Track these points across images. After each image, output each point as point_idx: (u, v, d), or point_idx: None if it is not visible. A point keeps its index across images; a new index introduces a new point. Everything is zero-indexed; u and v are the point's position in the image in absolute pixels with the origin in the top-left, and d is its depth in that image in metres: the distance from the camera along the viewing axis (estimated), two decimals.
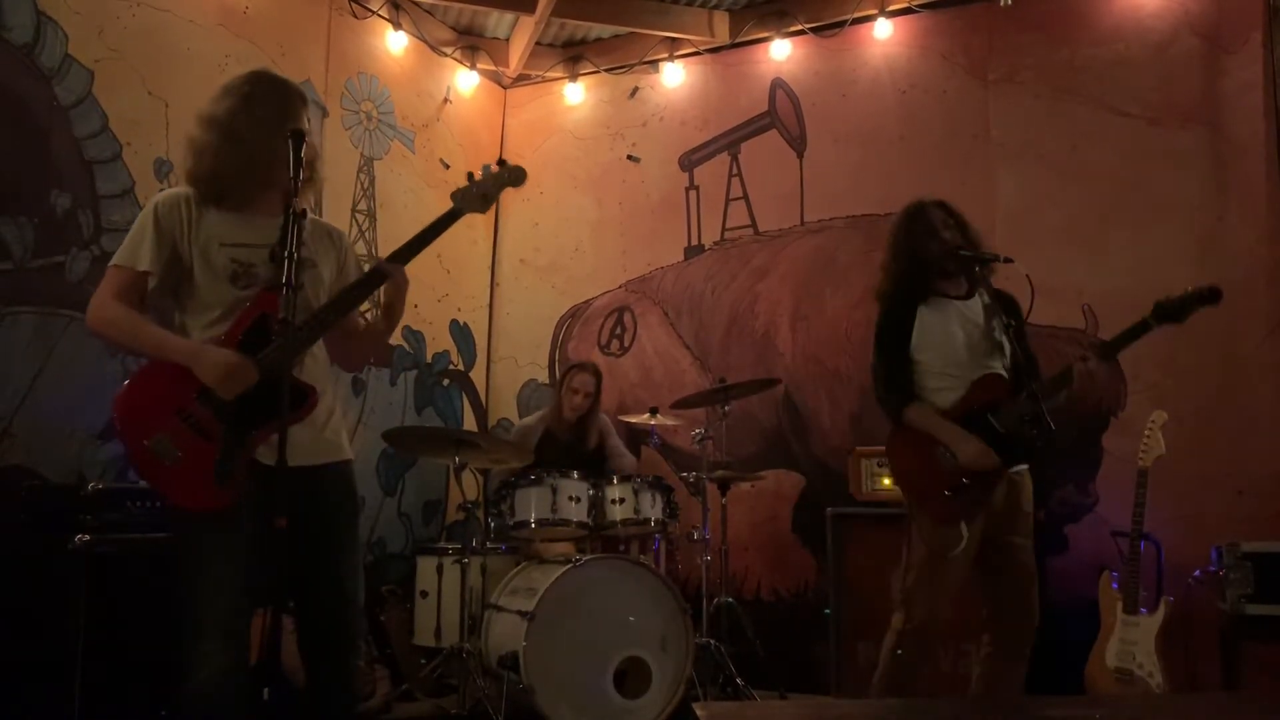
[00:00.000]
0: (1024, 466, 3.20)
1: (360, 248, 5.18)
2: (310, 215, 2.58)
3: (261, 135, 2.43)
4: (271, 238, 2.37)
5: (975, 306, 3.25)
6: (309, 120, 2.58)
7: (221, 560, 2.30)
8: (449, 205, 2.64)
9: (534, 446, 4.86)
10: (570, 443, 4.98)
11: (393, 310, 2.64)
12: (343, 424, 2.65)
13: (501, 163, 2.66)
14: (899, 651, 3.14)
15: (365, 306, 2.72)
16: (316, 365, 2.55)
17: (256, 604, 2.36)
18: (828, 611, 4.39)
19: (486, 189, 2.63)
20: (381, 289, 2.61)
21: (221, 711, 2.25)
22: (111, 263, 2.46)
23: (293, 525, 2.22)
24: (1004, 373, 3.21)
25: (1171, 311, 3.04)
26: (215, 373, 2.30)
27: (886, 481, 4.38)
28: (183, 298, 2.47)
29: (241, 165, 2.45)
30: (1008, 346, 3.22)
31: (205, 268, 2.42)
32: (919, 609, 3.15)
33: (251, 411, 2.35)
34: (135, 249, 2.42)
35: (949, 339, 3.19)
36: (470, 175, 2.63)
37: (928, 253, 3.21)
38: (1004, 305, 3.27)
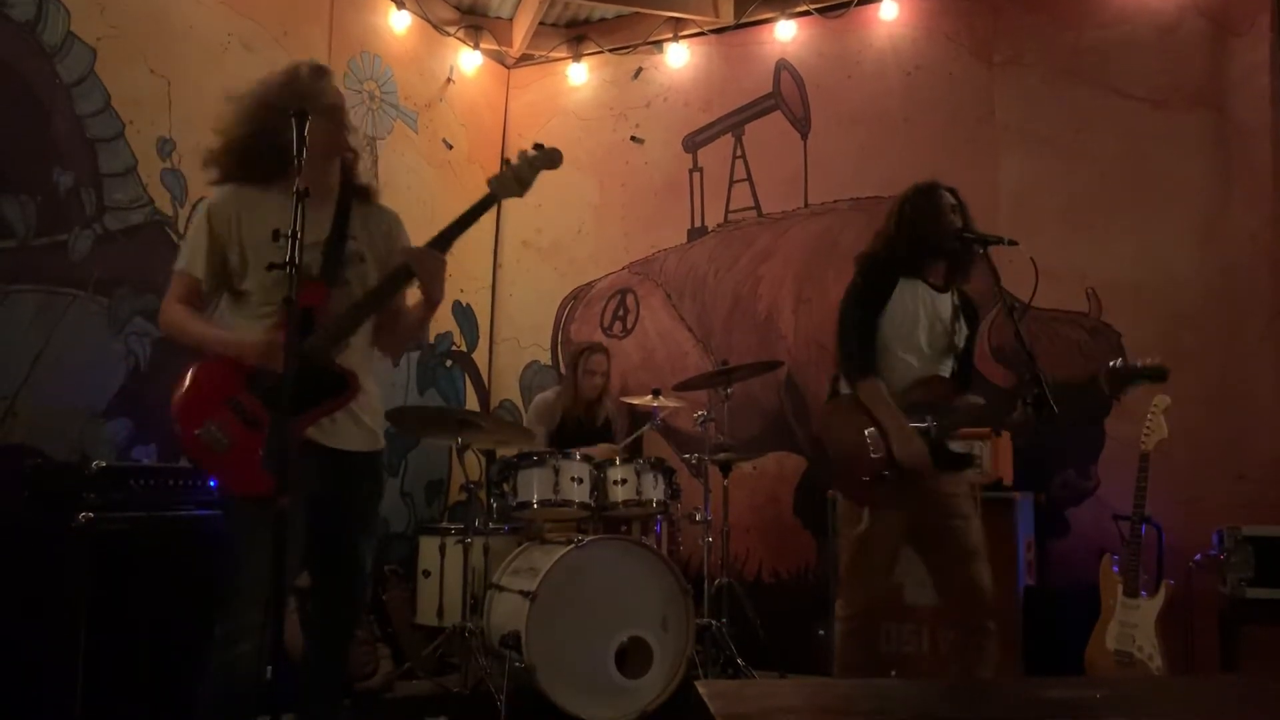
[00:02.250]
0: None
1: None
2: (370, 202, 2.71)
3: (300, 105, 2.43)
4: (321, 233, 2.53)
5: (945, 302, 3.27)
6: (338, 93, 2.62)
7: (265, 538, 2.34)
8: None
9: (556, 422, 4.97)
10: (583, 420, 5.04)
11: (429, 293, 2.64)
12: (379, 412, 2.75)
13: (538, 146, 2.64)
14: (849, 635, 3.21)
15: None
16: (355, 355, 2.62)
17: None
18: (822, 633, 4.39)
19: (522, 173, 2.62)
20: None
21: (251, 682, 2.32)
22: (174, 267, 2.59)
23: (321, 501, 2.42)
24: (949, 374, 3.25)
25: (1118, 380, 3.01)
26: (255, 352, 2.44)
27: None
28: (237, 295, 2.59)
29: (277, 145, 2.44)
30: (959, 348, 3.27)
31: (258, 269, 2.51)
32: (855, 592, 3.21)
33: (296, 398, 2.39)
34: (191, 256, 2.57)
35: (913, 322, 3.21)
36: (506, 160, 2.64)
37: (930, 231, 3.21)
38: (968, 314, 3.31)
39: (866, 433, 3.13)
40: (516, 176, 2.61)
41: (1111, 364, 3.04)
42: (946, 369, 3.27)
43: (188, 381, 2.51)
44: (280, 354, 2.36)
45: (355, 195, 2.67)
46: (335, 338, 2.52)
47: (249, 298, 2.56)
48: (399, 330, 2.76)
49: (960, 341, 3.29)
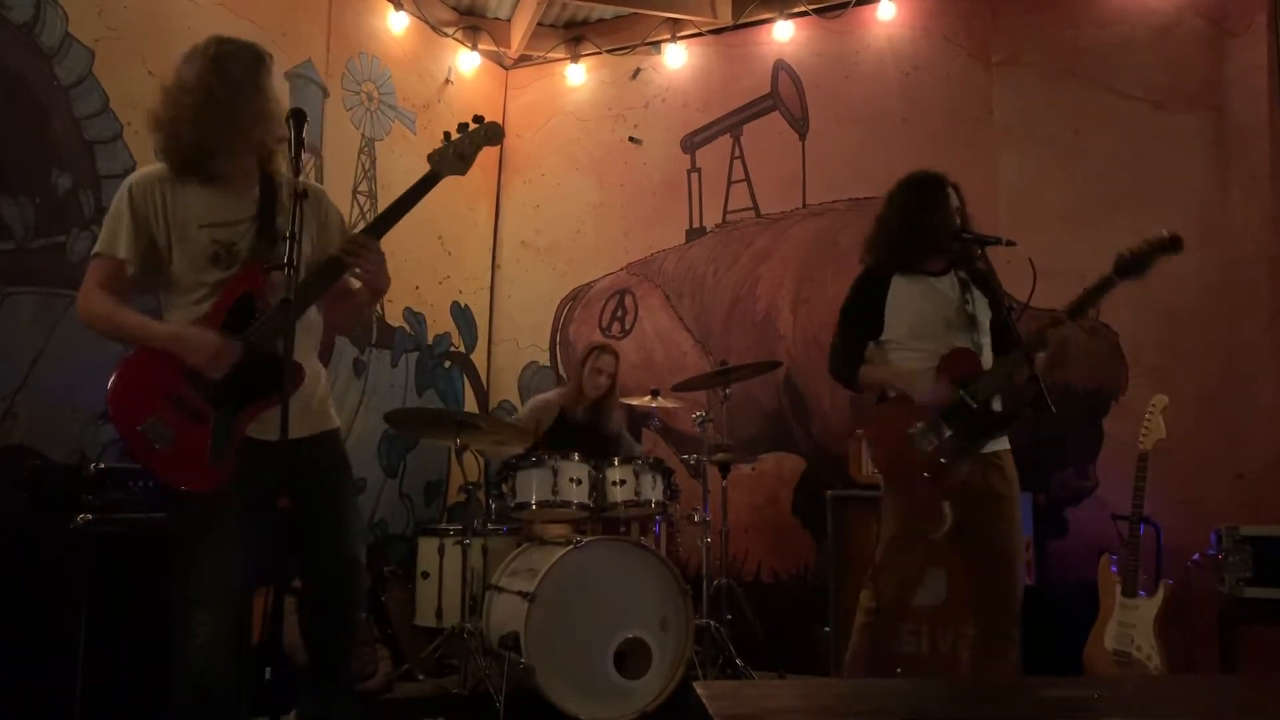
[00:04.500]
0: (1002, 448, 3.17)
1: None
2: (286, 179, 2.56)
3: (233, 94, 2.42)
4: (249, 212, 2.44)
5: (948, 282, 3.22)
6: (270, 80, 2.55)
7: (215, 535, 2.35)
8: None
9: (550, 422, 4.90)
10: (588, 423, 4.96)
11: (371, 285, 2.61)
12: (328, 393, 2.66)
13: (478, 119, 2.58)
14: (869, 628, 3.17)
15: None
16: (302, 337, 2.51)
17: (257, 581, 2.38)
18: (827, 629, 4.38)
19: (464, 149, 2.56)
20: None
21: (213, 680, 2.30)
22: (93, 250, 2.48)
23: (290, 499, 2.26)
24: (973, 347, 3.17)
25: (1133, 264, 2.92)
26: (200, 355, 2.35)
27: None
28: (166, 280, 2.48)
29: (216, 128, 2.42)
30: (981, 320, 3.20)
31: (185, 251, 2.43)
32: (888, 587, 3.17)
33: (240, 390, 2.38)
34: (113, 237, 2.44)
35: (920, 313, 3.18)
36: (446, 135, 2.56)
37: (931, 225, 3.18)
38: (980, 283, 3.25)
39: (911, 430, 3.08)
40: (458, 153, 2.55)
41: (1120, 253, 2.93)
42: (970, 342, 3.17)
43: (123, 375, 2.41)
44: (227, 354, 2.35)
45: (275, 177, 2.56)
46: (278, 329, 2.40)
47: (177, 283, 2.45)
48: (346, 311, 2.71)
49: (979, 313, 3.20)
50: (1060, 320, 2.99)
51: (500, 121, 6.09)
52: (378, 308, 5.14)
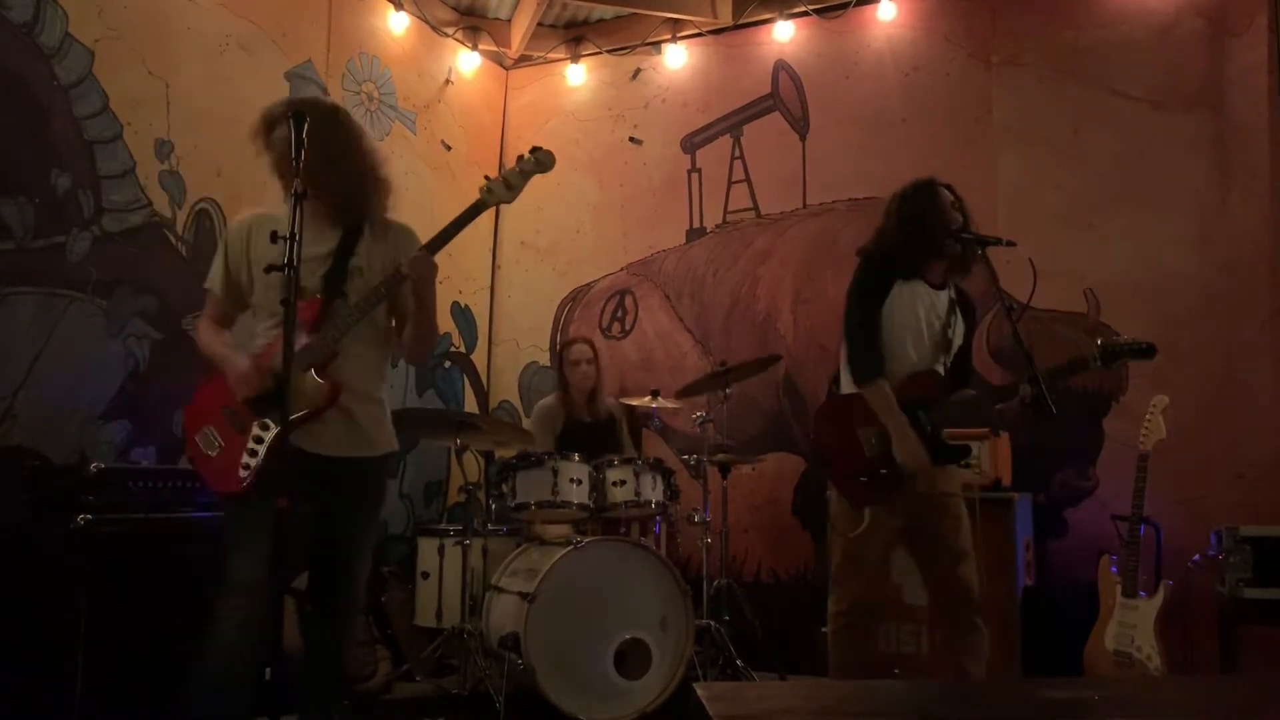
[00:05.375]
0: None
1: None
2: (384, 220, 2.84)
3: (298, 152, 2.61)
4: (324, 249, 2.70)
5: (942, 299, 3.29)
6: (353, 128, 2.81)
7: (250, 532, 2.57)
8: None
9: (560, 426, 4.90)
10: (592, 423, 4.97)
11: (420, 300, 2.76)
12: (383, 421, 2.84)
13: (535, 150, 2.78)
14: (841, 633, 3.24)
15: None
16: (359, 364, 2.73)
17: (288, 576, 2.63)
18: (824, 630, 4.38)
19: (512, 179, 2.75)
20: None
21: (239, 659, 2.51)
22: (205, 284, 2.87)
23: (316, 507, 2.61)
24: (943, 371, 3.27)
25: (1110, 355, 3.12)
26: (230, 378, 2.66)
27: None
28: (253, 309, 2.80)
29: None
30: (955, 347, 3.30)
31: (265, 285, 2.69)
32: (846, 589, 3.23)
33: (275, 406, 2.54)
34: (212, 274, 2.83)
35: (914, 322, 3.22)
36: (502, 166, 2.80)
37: (931, 228, 3.19)
38: (964, 309, 3.33)
39: (859, 431, 3.14)
40: (507, 183, 2.75)
41: (1100, 341, 3.13)
42: (941, 365, 3.28)
43: (198, 391, 2.77)
44: (257, 380, 2.60)
45: (371, 220, 2.79)
46: (328, 343, 2.64)
47: (258, 311, 2.77)
48: (408, 334, 2.85)
49: (955, 337, 3.30)
50: (1035, 379, 3.04)
51: (499, 121, 6.15)
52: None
